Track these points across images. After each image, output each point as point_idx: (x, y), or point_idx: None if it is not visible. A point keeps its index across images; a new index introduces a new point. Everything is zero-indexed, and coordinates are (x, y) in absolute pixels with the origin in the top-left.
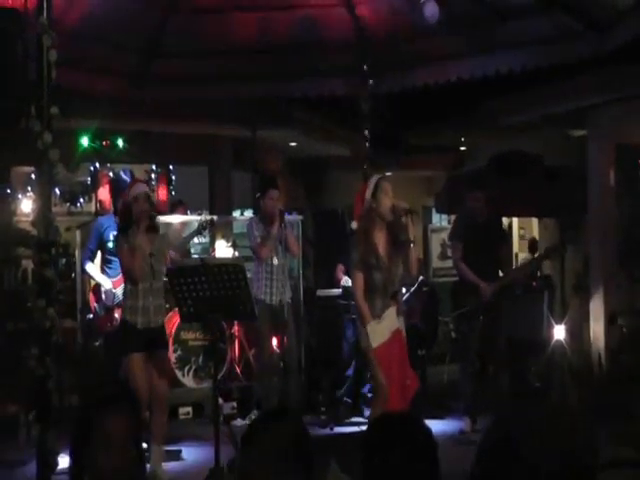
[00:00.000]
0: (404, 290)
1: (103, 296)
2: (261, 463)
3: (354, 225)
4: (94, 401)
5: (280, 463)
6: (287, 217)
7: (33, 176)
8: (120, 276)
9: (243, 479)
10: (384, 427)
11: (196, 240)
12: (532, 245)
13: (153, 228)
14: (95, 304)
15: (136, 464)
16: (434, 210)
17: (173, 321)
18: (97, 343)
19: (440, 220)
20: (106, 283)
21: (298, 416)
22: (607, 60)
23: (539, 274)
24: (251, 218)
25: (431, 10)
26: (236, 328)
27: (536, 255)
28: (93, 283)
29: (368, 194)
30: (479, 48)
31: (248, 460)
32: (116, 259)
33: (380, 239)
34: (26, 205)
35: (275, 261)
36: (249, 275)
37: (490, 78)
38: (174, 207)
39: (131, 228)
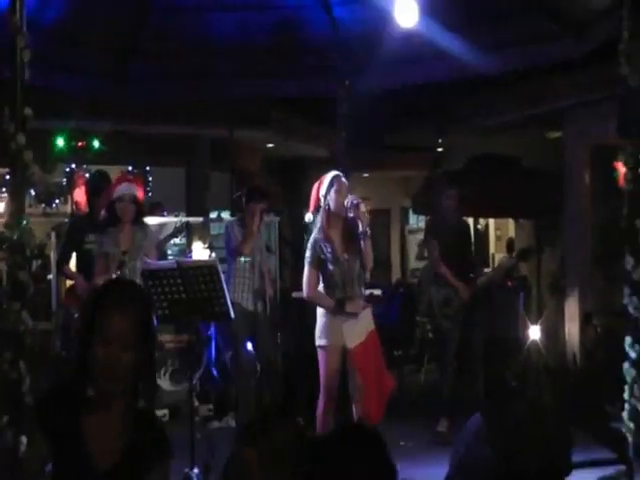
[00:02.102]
0: (380, 292)
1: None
2: (262, 463)
3: (308, 217)
4: (95, 296)
5: (282, 464)
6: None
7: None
8: None
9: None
10: (338, 442)
11: (172, 242)
12: (510, 245)
13: (138, 223)
14: (70, 306)
15: (139, 360)
16: (411, 211)
17: None
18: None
19: (417, 221)
20: (81, 282)
21: (296, 419)
22: (583, 61)
23: (515, 275)
24: (230, 221)
25: (408, 13)
26: (212, 330)
27: (512, 255)
28: (69, 284)
29: (323, 190)
30: (457, 50)
31: (248, 459)
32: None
33: (335, 235)
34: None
35: (253, 263)
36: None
37: (467, 80)
38: (152, 209)
39: (113, 225)
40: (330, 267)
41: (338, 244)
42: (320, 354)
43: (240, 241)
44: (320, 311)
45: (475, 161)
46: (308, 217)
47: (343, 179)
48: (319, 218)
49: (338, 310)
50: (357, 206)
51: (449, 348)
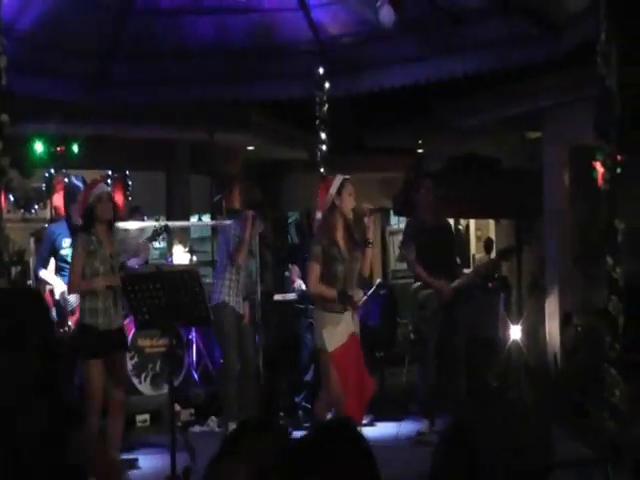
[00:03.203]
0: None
1: (57, 296)
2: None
3: (319, 215)
4: None
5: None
6: None
7: None
8: None
9: None
10: (321, 439)
11: (152, 245)
12: (487, 245)
13: (111, 228)
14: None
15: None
16: (392, 212)
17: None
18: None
19: (398, 222)
20: (60, 286)
21: (282, 427)
22: (561, 62)
23: (496, 275)
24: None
25: (387, 14)
26: (193, 334)
27: (492, 256)
28: (48, 289)
29: (333, 190)
30: (435, 51)
31: (226, 470)
32: (68, 267)
33: (340, 235)
34: None
35: (244, 267)
36: (208, 280)
37: (446, 81)
38: (132, 213)
39: (94, 227)
40: (334, 265)
41: (343, 244)
42: (324, 359)
43: (237, 248)
44: (319, 319)
45: (455, 162)
46: (319, 215)
47: (352, 184)
48: (325, 217)
49: (340, 300)
50: (369, 213)
51: (428, 350)
